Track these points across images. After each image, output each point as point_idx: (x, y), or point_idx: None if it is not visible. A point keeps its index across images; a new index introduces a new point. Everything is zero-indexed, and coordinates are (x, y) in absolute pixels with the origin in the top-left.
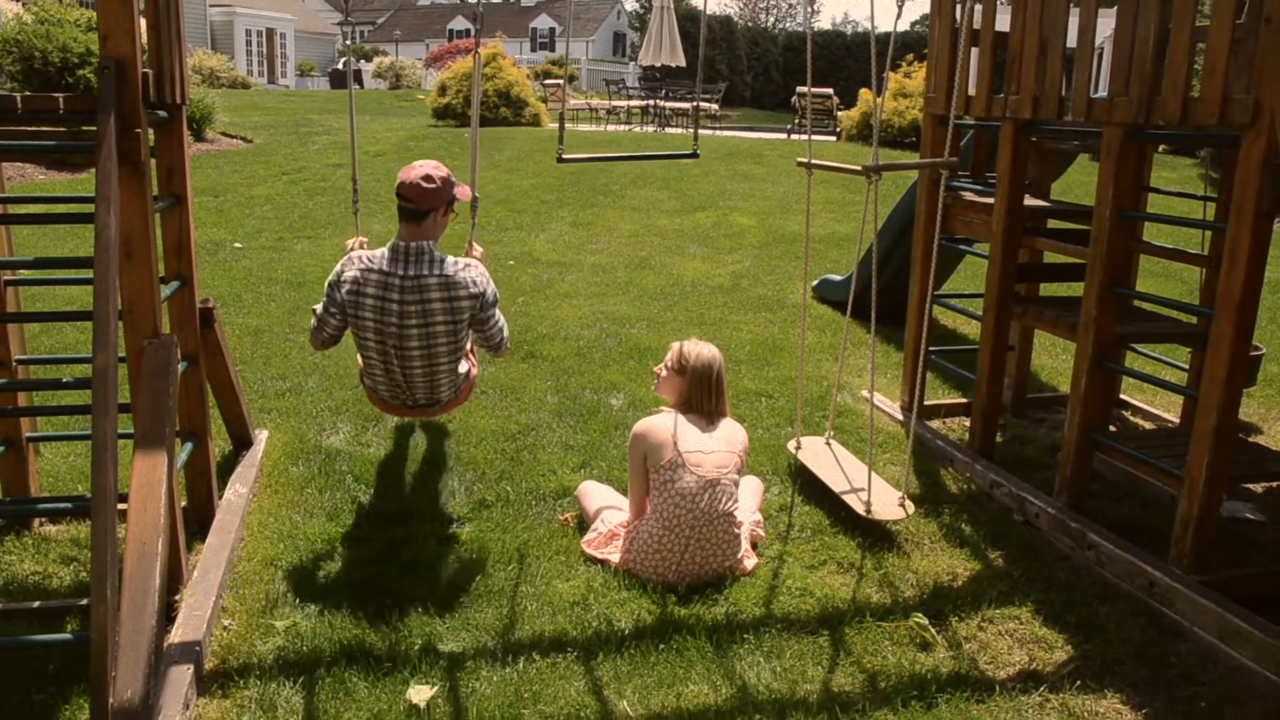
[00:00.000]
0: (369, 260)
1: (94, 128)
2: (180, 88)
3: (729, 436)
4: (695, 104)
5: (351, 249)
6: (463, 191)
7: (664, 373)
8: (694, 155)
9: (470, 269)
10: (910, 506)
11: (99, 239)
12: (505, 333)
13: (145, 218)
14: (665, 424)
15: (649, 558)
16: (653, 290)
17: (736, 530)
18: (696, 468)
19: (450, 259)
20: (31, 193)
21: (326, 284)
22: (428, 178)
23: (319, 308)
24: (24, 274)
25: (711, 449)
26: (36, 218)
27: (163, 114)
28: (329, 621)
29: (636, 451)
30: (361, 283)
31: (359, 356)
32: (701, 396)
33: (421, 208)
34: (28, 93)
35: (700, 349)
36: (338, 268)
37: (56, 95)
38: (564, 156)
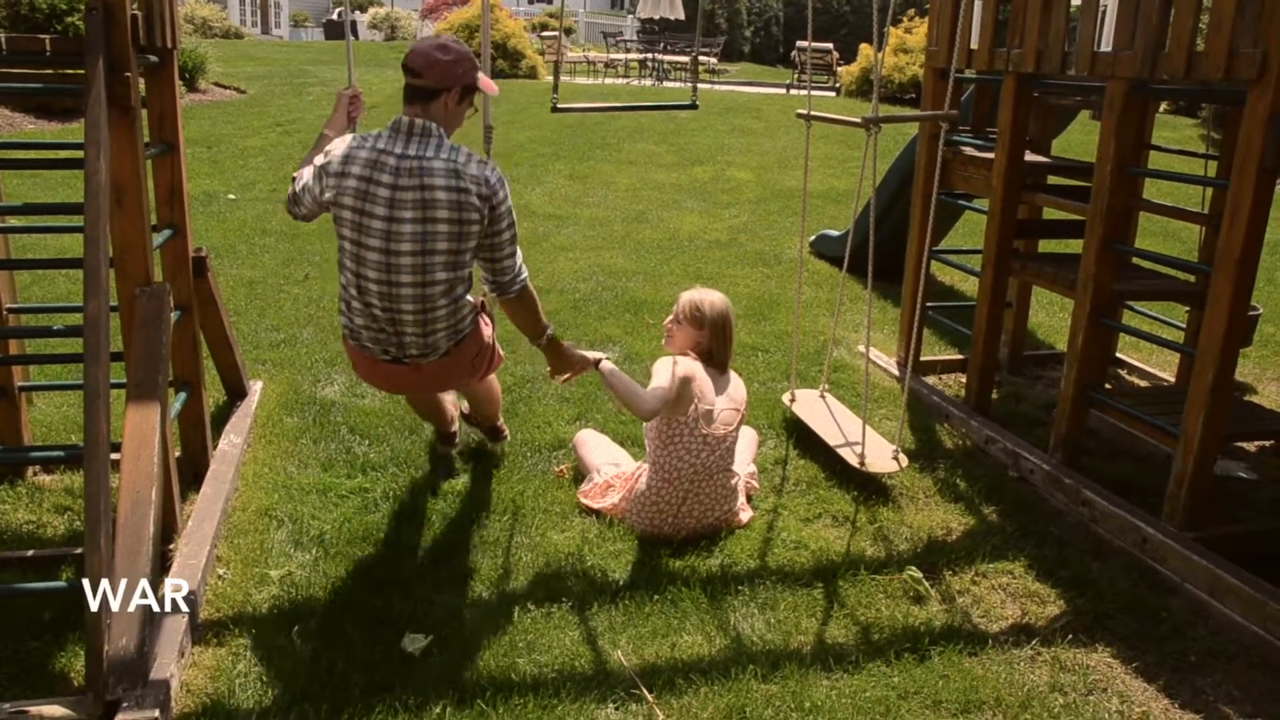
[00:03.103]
0: (364, 137)
1: (82, 71)
2: (171, 31)
3: (734, 393)
4: (694, 55)
5: (342, 98)
6: (486, 84)
7: (675, 326)
8: (693, 106)
9: (487, 166)
10: (904, 459)
11: (89, 184)
12: (520, 265)
13: (136, 164)
14: (701, 373)
15: (646, 509)
16: (649, 244)
17: (733, 484)
18: (709, 423)
19: (464, 148)
20: (20, 140)
21: (315, 162)
22: (443, 47)
23: (304, 173)
24: (13, 221)
25: (722, 406)
26: (25, 163)
27: (153, 59)
28: (323, 571)
29: (681, 385)
30: (345, 165)
31: (340, 280)
32: (720, 347)
33: (431, 83)
34: (13, 34)
35: (714, 298)
36: (333, 144)
37: (42, 36)
38: (559, 106)
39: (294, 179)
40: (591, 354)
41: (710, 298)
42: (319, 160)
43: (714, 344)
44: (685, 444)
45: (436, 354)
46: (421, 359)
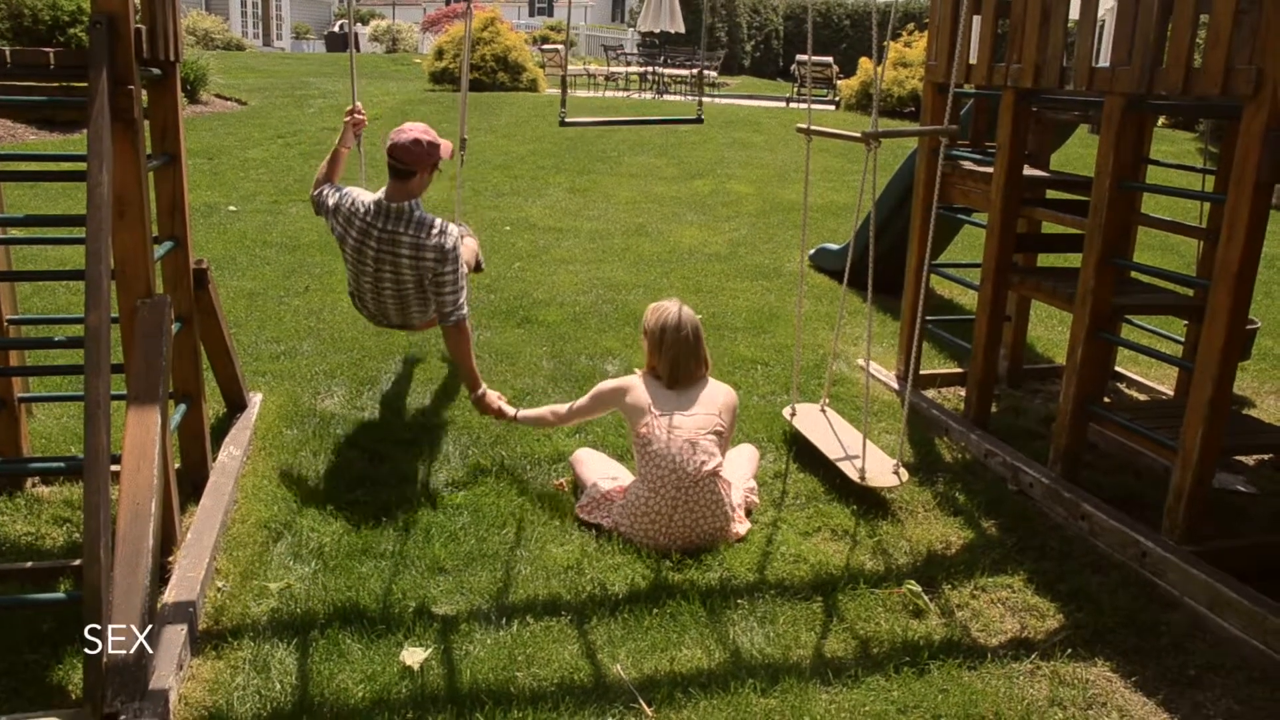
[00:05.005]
0: (362, 205)
1: (85, 84)
2: (174, 44)
3: (709, 398)
4: (699, 69)
5: (348, 123)
6: (445, 149)
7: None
8: (698, 120)
9: (444, 235)
10: (905, 474)
11: (91, 196)
12: (459, 302)
13: (138, 176)
14: (640, 387)
15: (638, 520)
16: (649, 257)
17: (722, 491)
18: (675, 429)
19: (430, 220)
20: (22, 151)
21: (334, 197)
22: (417, 141)
23: (327, 194)
24: (15, 233)
25: (688, 410)
26: (28, 174)
27: (156, 71)
28: (323, 583)
29: (610, 399)
30: (347, 224)
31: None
32: (662, 359)
33: (412, 168)
34: (18, 48)
35: (663, 313)
36: (343, 191)
37: (47, 50)
38: (566, 120)
39: (319, 188)
40: (508, 409)
41: (661, 311)
42: (333, 200)
43: (652, 356)
44: (655, 449)
45: (413, 327)
46: (402, 327)
